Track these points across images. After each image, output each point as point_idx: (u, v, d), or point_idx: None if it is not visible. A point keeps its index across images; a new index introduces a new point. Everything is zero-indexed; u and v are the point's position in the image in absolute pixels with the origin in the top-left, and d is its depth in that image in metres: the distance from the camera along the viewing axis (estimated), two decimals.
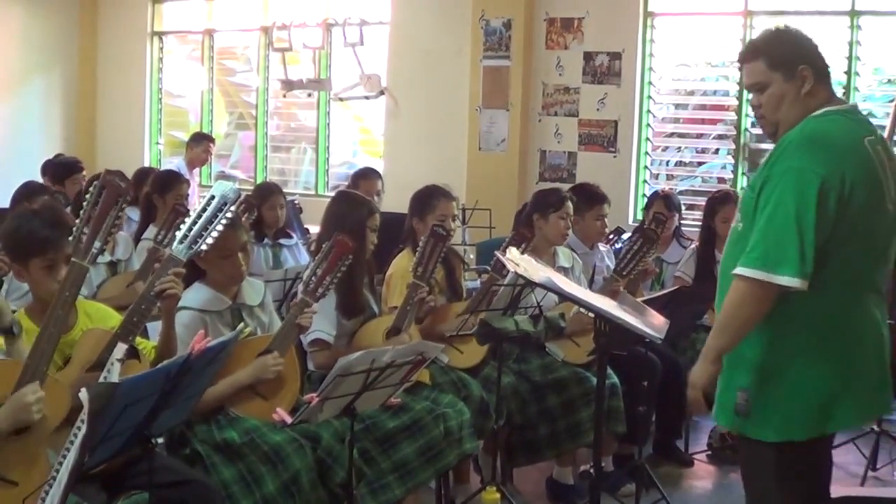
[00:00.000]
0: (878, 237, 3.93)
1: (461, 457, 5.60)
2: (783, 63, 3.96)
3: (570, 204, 6.79)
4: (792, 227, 3.72)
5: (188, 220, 4.38)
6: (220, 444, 4.78)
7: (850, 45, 9.71)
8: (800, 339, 3.87)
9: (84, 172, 9.68)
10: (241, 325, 4.78)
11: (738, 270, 3.81)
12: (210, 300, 5.01)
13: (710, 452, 7.56)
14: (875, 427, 7.02)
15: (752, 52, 4.06)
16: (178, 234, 4.36)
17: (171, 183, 7.88)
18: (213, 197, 4.40)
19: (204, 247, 4.37)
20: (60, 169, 9.17)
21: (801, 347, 3.86)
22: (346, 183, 9.63)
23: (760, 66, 4.00)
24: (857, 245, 3.84)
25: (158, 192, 7.73)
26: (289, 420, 4.68)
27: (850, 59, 9.66)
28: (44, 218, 4.30)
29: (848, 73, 9.57)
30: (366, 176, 9.08)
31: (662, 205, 8.17)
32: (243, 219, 7.10)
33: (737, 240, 4.01)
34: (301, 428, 4.81)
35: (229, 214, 4.40)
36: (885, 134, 8.17)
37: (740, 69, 4.19)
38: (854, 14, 9.73)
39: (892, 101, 7.87)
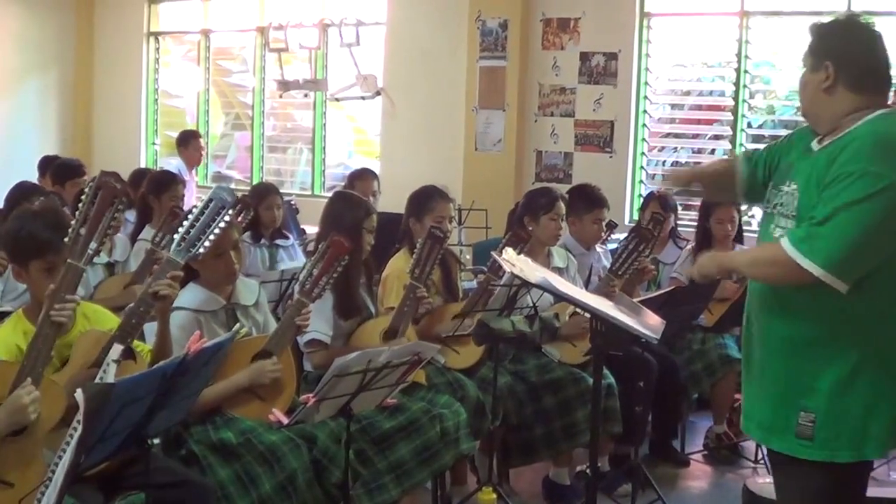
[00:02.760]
0: None
1: (457, 457, 5.59)
2: (815, 52, 3.92)
3: (561, 204, 6.78)
4: (860, 236, 3.63)
5: (185, 224, 4.39)
6: (217, 445, 4.77)
7: None
8: (871, 352, 3.77)
9: (86, 177, 9.66)
10: (238, 325, 4.78)
11: (790, 244, 3.71)
12: (204, 300, 5.01)
13: (706, 453, 7.57)
14: None
15: (810, 31, 4.00)
16: (176, 238, 4.37)
17: (166, 184, 7.86)
18: (210, 200, 4.41)
19: (202, 250, 4.37)
20: (62, 170, 9.15)
21: (873, 361, 3.77)
22: (343, 183, 9.64)
23: (808, 49, 3.97)
24: None
25: (154, 194, 7.72)
26: (285, 420, 4.68)
27: None
28: (45, 220, 4.31)
29: None
30: (362, 176, 9.09)
31: (658, 205, 8.17)
32: (239, 219, 7.10)
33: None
34: (297, 428, 4.81)
35: (227, 218, 4.41)
36: None
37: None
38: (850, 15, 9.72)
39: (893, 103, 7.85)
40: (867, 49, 3.91)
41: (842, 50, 3.88)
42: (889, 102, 3.95)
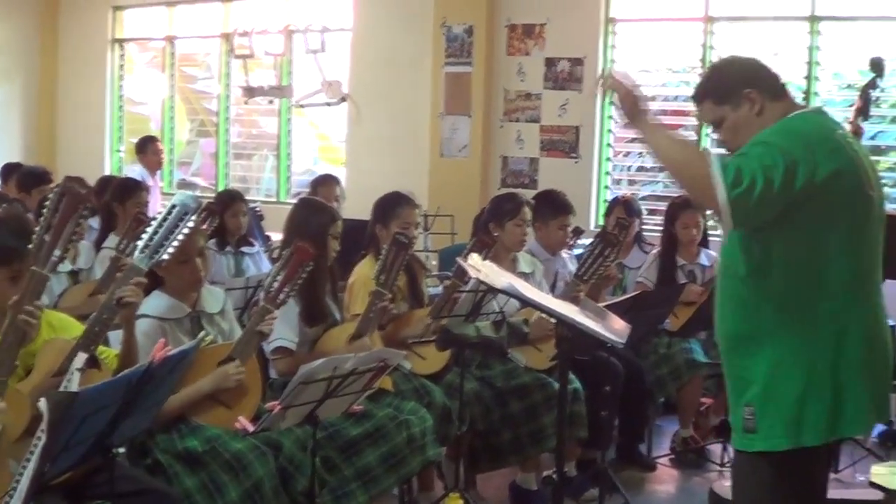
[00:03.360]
0: (868, 229, 3.95)
1: (424, 464, 5.58)
2: (727, 94, 4.02)
3: (526, 210, 6.79)
4: (761, 176, 3.69)
5: (149, 230, 4.37)
6: (182, 453, 4.76)
7: (810, 50, 9.78)
8: (801, 343, 3.86)
9: (53, 184, 9.62)
10: (203, 333, 4.77)
11: (716, 167, 3.73)
12: (169, 308, 5.00)
13: (672, 456, 7.60)
14: None
15: (699, 95, 4.14)
16: (139, 244, 4.35)
17: (130, 190, 7.84)
18: (173, 206, 4.40)
19: (165, 256, 4.36)
20: (29, 178, 9.12)
21: (804, 352, 3.85)
22: (308, 190, 9.63)
23: (709, 105, 4.09)
24: (853, 236, 3.87)
25: (118, 200, 7.69)
26: (251, 428, 4.67)
27: (809, 64, 9.73)
28: (9, 227, 4.28)
29: (808, 77, 9.65)
30: (324, 182, 9.12)
31: (623, 210, 8.20)
32: (204, 226, 7.08)
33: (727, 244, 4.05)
34: (263, 436, 4.80)
35: (190, 223, 4.39)
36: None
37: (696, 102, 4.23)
38: (813, 20, 9.79)
39: (851, 105, 7.91)
40: (759, 63, 4.10)
41: (748, 74, 4.03)
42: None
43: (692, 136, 10.50)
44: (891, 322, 7.41)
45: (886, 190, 9.68)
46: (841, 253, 3.86)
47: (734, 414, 4.04)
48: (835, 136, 3.91)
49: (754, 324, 3.92)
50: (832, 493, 6.73)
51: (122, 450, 4.41)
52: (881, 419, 4.17)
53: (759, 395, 3.91)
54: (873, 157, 9.65)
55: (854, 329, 3.88)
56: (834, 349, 3.84)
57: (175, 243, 4.36)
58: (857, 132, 7.81)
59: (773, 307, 3.87)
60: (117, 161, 14.50)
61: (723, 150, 4.05)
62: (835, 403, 3.85)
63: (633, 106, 4.11)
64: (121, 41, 14.51)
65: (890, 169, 10.20)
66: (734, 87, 4.01)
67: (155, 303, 4.93)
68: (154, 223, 4.40)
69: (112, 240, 7.26)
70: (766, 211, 3.74)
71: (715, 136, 4.25)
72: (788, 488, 3.95)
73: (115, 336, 4.59)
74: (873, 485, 5.04)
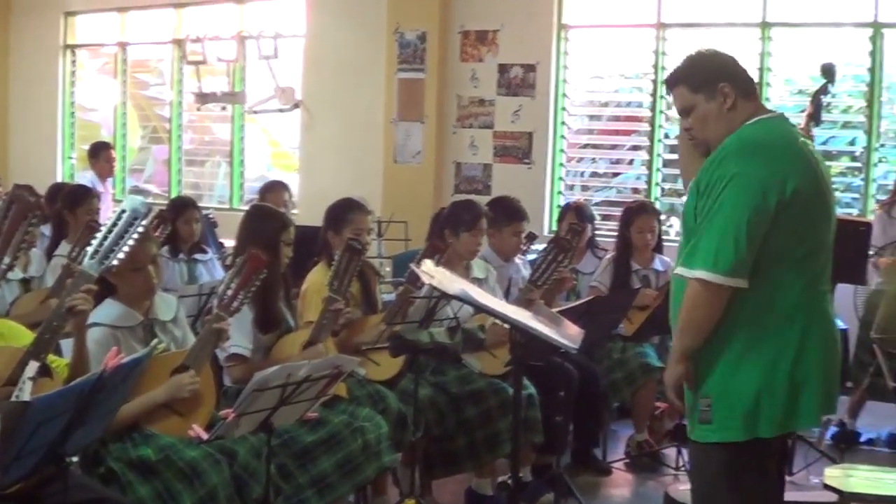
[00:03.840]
0: (825, 233, 4.04)
1: (380, 470, 5.57)
2: (703, 84, 4.09)
3: (483, 223, 6.79)
4: (737, 231, 3.83)
5: (99, 236, 4.34)
6: (136, 462, 4.72)
7: (762, 56, 9.86)
8: (761, 339, 3.94)
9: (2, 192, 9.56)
10: (155, 341, 4.74)
11: (686, 273, 3.93)
12: (122, 316, 4.96)
13: (627, 460, 7.62)
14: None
15: (674, 80, 4.20)
16: (89, 250, 4.32)
17: (81, 198, 7.78)
18: (123, 211, 4.36)
19: (115, 262, 4.32)
20: None
21: (764, 348, 3.94)
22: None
23: (683, 91, 4.15)
24: (811, 242, 3.97)
25: (69, 208, 7.64)
26: (205, 436, 4.64)
27: (761, 69, 9.81)
28: None
29: (760, 83, 9.70)
30: (273, 188, 9.09)
31: (574, 216, 8.22)
32: (157, 233, 7.05)
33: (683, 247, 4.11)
34: (217, 444, 4.77)
35: (140, 229, 4.36)
36: None
37: (657, 85, 4.33)
38: (765, 26, 9.87)
39: (803, 111, 7.96)
40: (734, 61, 4.17)
41: (725, 68, 4.11)
42: None
43: (644, 142, 10.56)
44: (842, 325, 7.54)
45: (838, 195, 9.80)
46: (802, 258, 3.95)
47: (689, 405, 4.11)
48: (798, 145, 4.00)
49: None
50: (787, 496, 6.79)
51: (75, 459, 4.37)
52: (829, 412, 4.28)
53: (717, 387, 3.98)
54: (825, 163, 9.80)
55: (815, 329, 3.98)
56: (796, 348, 3.93)
57: (125, 249, 4.33)
58: (809, 139, 7.88)
59: (734, 303, 3.92)
60: (69, 168, 14.40)
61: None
62: (791, 399, 3.94)
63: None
64: (73, 47, 14.42)
65: (841, 174, 10.28)
66: (710, 77, 4.07)
67: (107, 311, 4.90)
68: (103, 229, 4.37)
69: (64, 247, 7.21)
70: (753, 253, 3.87)
71: (684, 124, 4.30)
72: (743, 478, 4.02)
73: (67, 345, 4.56)
74: (827, 487, 5.07)
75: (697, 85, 4.09)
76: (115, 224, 4.34)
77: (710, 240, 3.88)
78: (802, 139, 4.07)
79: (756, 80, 9.37)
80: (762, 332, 3.94)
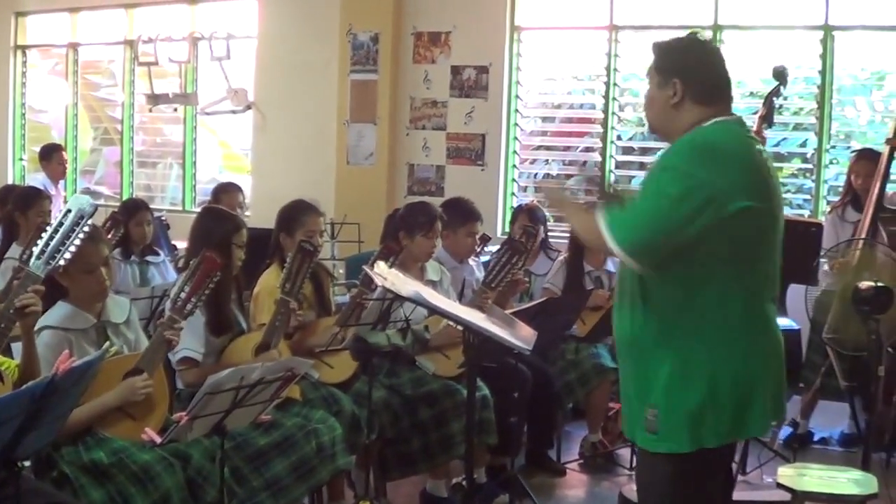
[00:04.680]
0: (772, 243, 4.04)
1: (334, 472, 5.56)
2: (661, 70, 4.11)
3: (438, 225, 6.79)
4: (656, 218, 3.85)
5: (45, 236, 4.31)
6: (88, 466, 4.69)
7: None
8: (706, 350, 3.93)
9: None
10: (107, 343, 4.72)
11: (602, 222, 3.93)
12: (74, 318, 4.93)
13: (581, 461, 7.63)
14: None
15: (653, 49, 4.20)
16: (35, 250, 4.29)
17: (32, 200, 7.74)
18: (69, 211, 4.34)
19: (62, 262, 4.29)
20: None
21: (706, 358, 3.93)
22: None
23: (651, 67, 4.17)
24: (756, 253, 3.96)
25: (20, 210, 7.60)
26: (158, 439, 4.63)
27: None
28: None
29: None
30: (227, 190, 9.06)
31: (527, 218, 8.22)
32: (109, 235, 7.01)
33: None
34: (171, 447, 4.76)
35: (87, 228, 4.33)
36: None
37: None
38: (717, 28, 9.93)
39: (755, 113, 8.02)
40: (710, 64, 4.14)
41: (687, 66, 4.08)
42: None
43: (597, 144, 10.60)
44: (794, 325, 7.59)
45: (789, 196, 9.87)
46: (747, 268, 3.94)
47: (631, 411, 4.14)
48: (753, 154, 3.97)
49: (660, 329, 3.99)
50: (740, 495, 6.85)
51: (27, 463, 4.34)
52: (777, 419, 4.36)
53: (663, 398, 3.98)
54: (776, 164, 9.84)
55: (759, 339, 3.99)
56: (741, 359, 3.94)
57: (72, 249, 4.30)
58: (761, 141, 7.93)
59: (676, 314, 3.95)
60: (20, 170, 14.29)
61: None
62: (737, 409, 3.95)
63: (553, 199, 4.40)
64: (23, 48, 14.28)
65: (792, 175, 10.34)
66: (670, 68, 4.08)
67: (59, 313, 4.87)
68: (49, 229, 4.34)
69: (15, 250, 7.17)
70: (668, 248, 3.88)
71: None
72: (690, 486, 4.03)
73: (17, 346, 4.52)
74: (780, 486, 5.10)
75: (659, 67, 4.11)
76: (60, 224, 4.31)
77: (631, 215, 3.94)
78: (758, 146, 4.06)
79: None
80: (707, 343, 3.93)
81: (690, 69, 4.07)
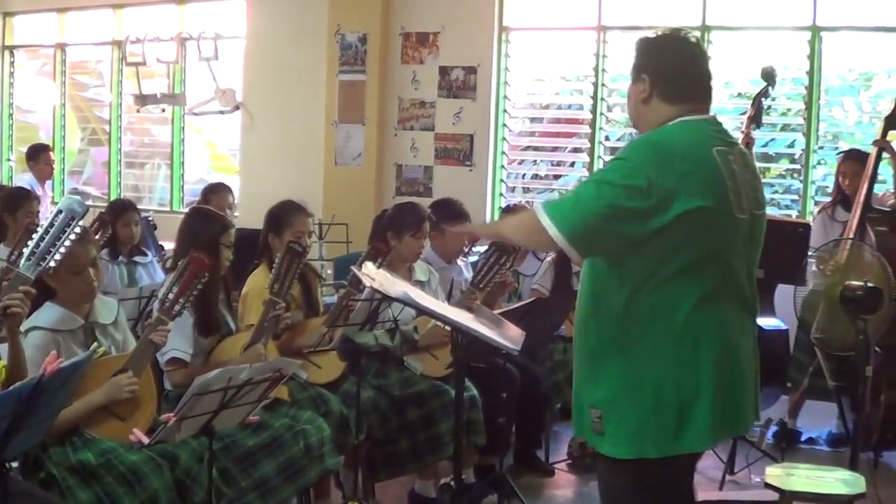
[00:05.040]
0: (727, 246, 3.93)
1: (322, 473, 5.56)
2: (636, 66, 4.10)
3: (427, 226, 6.79)
4: (595, 204, 3.81)
5: (35, 237, 4.30)
6: (76, 467, 4.68)
7: None
8: (650, 355, 3.87)
9: None
10: (95, 344, 4.71)
11: (539, 206, 3.93)
12: (62, 319, 4.92)
13: (570, 461, 7.63)
14: None
15: (634, 46, 4.18)
16: (25, 252, 4.28)
17: (20, 200, 7.74)
18: (59, 212, 4.33)
19: (52, 263, 4.29)
20: None
21: (652, 364, 3.87)
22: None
23: (632, 61, 4.16)
24: (707, 257, 3.86)
25: (8, 211, 7.59)
26: (146, 440, 4.62)
27: None
28: None
29: None
30: (217, 190, 9.04)
31: None
32: (96, 236, 7.00)
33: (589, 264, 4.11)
34: (159, 448, 4.75)
35: (77, 230, 4.33)
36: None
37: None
38: (705, 29, 9.93)
39: (743, 114, 8.04)
40: (681, 62, 4.08)
41: (657, 63, 4.05)
42: None
43: (585, 144, 10.61)
44: (783, 325, 7.60)
45: (777, 197, 9.87)
46: (695, 272, 3.86)
47: (585, 413, 4.08)
48: (709, 155, 3.87)
49: (609, 336, 3.96)
50: (728, 495, 6.86)
51: (15, 464, 4.33)
52: (735, 430, 4.32)
53: (606, 402, 3.96)
54: (764, 165, 9.88)
55: (709, 346, 3.89)
56: (687, 366, 3.87)
57: (62, 250, 4.30)
58: (749, 142, 7.95)
59: (624, 317, 3.90)
60: (8, 171, 14.26)
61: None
62: (678, 421, 3.87)
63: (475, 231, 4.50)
64: (11, 48, 14.26)
65: (780, 176, 10.36)
66: (641, 64, 4.07)
67: (47, 314, 4.86)
68: (39, 230, 4.33)
69: (2, 251, 7.14)
70: (609, 240, 3.85)
71: None
72: (640, 491, 4.00)
73: (3, 347, 4.51)
74: (768, 486, 5.10)
75: (634, 64, 4.11)
76: (51, 224, 4.31)
77: (570, 200, 3.92)
78: (722, 147, 3.94)
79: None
80: (653, 349, 3.87)
81: (660, 66, 4.04)
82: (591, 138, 10.58)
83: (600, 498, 4.19)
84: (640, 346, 3.88)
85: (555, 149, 11.24)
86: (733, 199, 3.87)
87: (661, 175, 3.76)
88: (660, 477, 3.97)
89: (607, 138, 10.64)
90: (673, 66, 4.05)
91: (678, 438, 3.89)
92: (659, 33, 4.21)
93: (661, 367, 3.86)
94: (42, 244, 4.27)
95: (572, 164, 11.12)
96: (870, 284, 6.14)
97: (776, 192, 10.27)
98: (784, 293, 7.67)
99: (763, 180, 9.05)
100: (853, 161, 8.00)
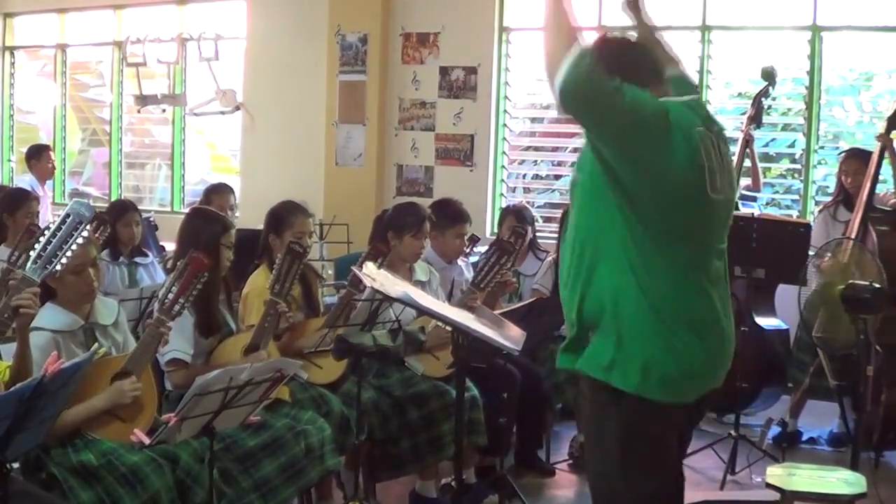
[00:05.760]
0: (704, 222, 3.97)
1: (323, 473, 5.56)
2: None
3: (427, 226, 6.79)
4: (606, 84, 3.86)
5: (42, 240, 4.30)
6: (77, 467, 4.69)
7: (702, 59, 9.92)
8: (638, 311, 3.87)
9: None
10: (96, 345, 4.71)
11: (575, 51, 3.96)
12: (62, 320, 4.92)
13: (571, 461, 7.62)
14: (733, 432, 7.15)
15: None
16: (32, 255, 4.28)
17: (20, 201, 7.73)
18: (67, 216, 4.33)
19: (59, 267, 4.29)
20: None
21: (639, 319, 3.87)
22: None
23: None
24: (683, 223, 3.89)
25: (8, 212, 7.58)
26: (147, 441, 4.62)
27: (701, 72, 9.86)
28: None
29: (700, 86, 9.75)
30: (218, 191, 9.03)
31: (515, 218, 8.20)
32: (96, 236, 7.00)
33: (580, 195, 4.07)
34: (160, 448, 4.75)
35: (84, 234, 4.33)
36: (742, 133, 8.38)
37: None
38: (705, 29, 9.94)
39: (743, 113, 8.04)
40: (635, 53, 4.32)
41: (621, 65, 4.12)
42: None
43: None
44: (784, 325, 7.60)
45: (778, 197, 9.87)
46: (677, 246, 3.89)
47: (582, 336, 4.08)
48: (692, 132, 3.91)
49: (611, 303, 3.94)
50: (729, 495, 6.86)
51: (16, 465, 4.33)
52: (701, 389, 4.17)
53: (591, 318, 3.99)
54: (765, 165, 9.87)
55: (684, 314, 3.91)
56: (660, 341, 3.88)
57: (69, 254, 4.30)
58: (749, 140, 7.95)
59: (614, 260, 3.91)
60: (8, 171, 14.27)
61: None
62: (643, 368, 3.87)
63: None
64: (11, 49, 14.27)
65: (781, 176, 10.36)
66: (609, 70, 4.03)
67: (47, 315, 4.85)
68: (47, 233, 4.33)
69: (3, 252, 7.14)
70: (596, 99, 3.87)
71: None
72: (637, 432, 3.96)
73: (6, 349, 4.52)
74: (769, 486, 5.10)
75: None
76: (58, 228, 4.31)
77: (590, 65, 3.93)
78: (701, 128, 3.96)
79: (696, 82, 9.63)
80: (652, 301, 3.87)
81: (625, 64, 4.14)
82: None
83: (590, 437, 4.18)
84: (633, 301, 3.88)
85: (555, 149, 11.25)
86: (708, 178, 3.89)
87: (664, 121, 3.83)
88: (633, 414, 3.93)
89: None
90: (635, 61, 4.22)
91: (644, 382, 3.87)
92: (615, 40, 4.41)
93: (647, 325, 3.87)
94: (49, 248, 4.27)
95: (573, 165, 11.11)
96: (875, 285, 6.14)
97: (776, 192, 10.28)
98: (784, 293, 7.67)
99: (763, 180, 9.14)
100: (856, 159, 8.00)
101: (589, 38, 4.20)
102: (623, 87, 3.82)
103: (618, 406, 3.91)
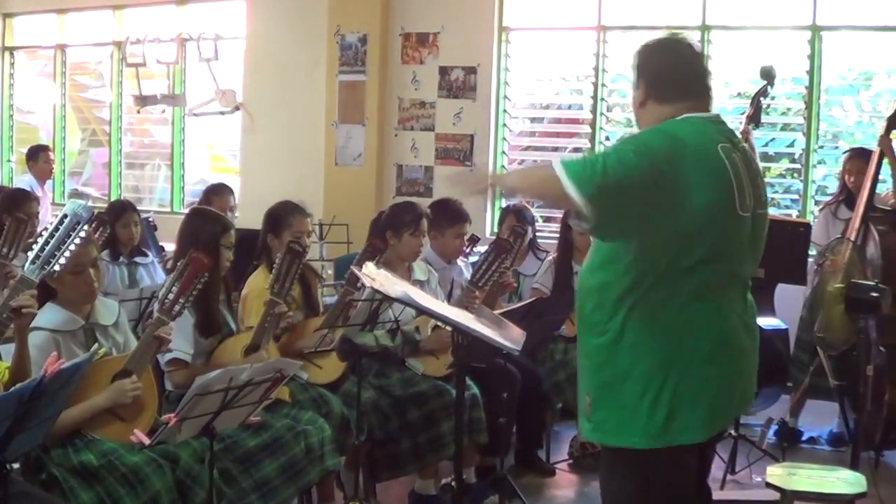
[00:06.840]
0: (730, 243, 3.92)
1: (323, 473, 5.56)
2: (635, 73, 4.15)
3: (424, 223, 6.80)
4: (617, 160, 3.75)
5: (40, 240, 4.30)
6: (77, 468, 4.68)
7: (702, 58, 9.89)
8: (641, 346, 3.88)
9: None
10: (96, 345, 4.71)
11: (559, 165, 3.75)
12: (63, 320, 4.92)
13: (571, 461, 7.62)
14: (733, 432, 7.15)
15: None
16: (30, 255, 4.28)
17: (20, 201, 7.74)
18: (65, 216, 4.33)
19: (57, 267, 4.29)
20: None
21: (642, 355, 3.87)
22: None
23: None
24: (706, 250, 3.84)
25: (7, 212, 7.57)
26: (147, 441, 4.62)
27: None
28: None
29: None
30: (218, 191, 9.02)
31: (515, 218, 8.20)
32: (96, 236, 7.00)
33: (596, 248, 4.09)
34: (160, 449, 4.75)
35: (83, 234, 4.33)
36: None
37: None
38: (705, 28, 9.94)
39: (743, 113, 8.03)
40: (672, 63, 4.12)
41: (650, 68, 4.11)
42: None
43: (585, 144, 10.61)
44: (783, 325, 7.59)
45: (777, 197, 9.86)
46: (692, 268, 3.85)
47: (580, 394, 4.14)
48: (713, 151, 3.87)
49: (612, 338, 3.95)
50: (729, 495, 6.86)
51: (16, 465, 4.33)
52: (725, 422, 4.26)
53: (597, 388, 4.00)
54: (764, 165, 9.86)
55: (703, 343, 3.90)
56: (679, 361, 3.87)
57: (67, 254, 4.30)
58: (747, 141, 7.95)
59: (624, 307, 3.89)
60: (8, 172, 14.26)
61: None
62: (669, 412, 3.87)
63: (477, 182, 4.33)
64: (11, 49, 14.26)
65: (780, 176, 10.36)
66: (637, 70, 4.12)
67: (48, 315, 4.85)
68: (45, 233, 4.32)
69: None
70: (624, 199, 3.74)
71: None
72: (633, 480, 3.99)
73: (5, 350, 4.51)
74: (769, 485, 5.11)
75: (634, 71, 4.16)
76: (56, 229, 4.30)
77: (587, 158, 3.84)
78: (725, 144, 3.93)
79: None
80: (646, 344, 3.87)
81: (652, 70, 4.10)
82: (592, 138, 10.58)
83: (604, 492, 4.19)
84: (635, 336, 3.88)
85: (555, 149, 11.22)
86: (737, 197, 3.87)
87: (674, 159, 3.77)
88: (651, 468, 3.94)
89: (607, 138, 10.63)
90: (664, 68, 4.10)
91: (668, 430, 3.88)
92: (654, 39, 4.24)
93: (654, 359, 3.87)
94: (47, 248, 4.27)
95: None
96: (879, 284, 6.14)
97: (776, 191, 10.27)
98: (784, 293, 7.67)
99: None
100: (859, 159, 7.99)
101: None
102: (607, 168, 3.71)
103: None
